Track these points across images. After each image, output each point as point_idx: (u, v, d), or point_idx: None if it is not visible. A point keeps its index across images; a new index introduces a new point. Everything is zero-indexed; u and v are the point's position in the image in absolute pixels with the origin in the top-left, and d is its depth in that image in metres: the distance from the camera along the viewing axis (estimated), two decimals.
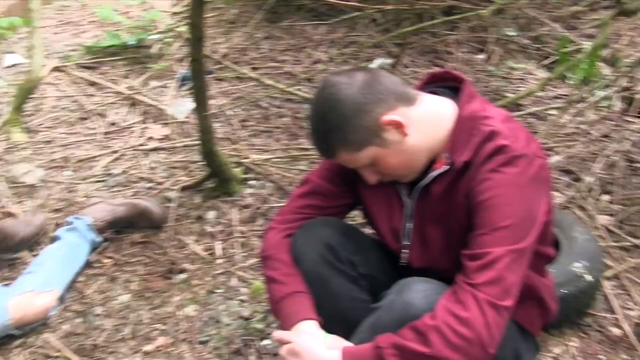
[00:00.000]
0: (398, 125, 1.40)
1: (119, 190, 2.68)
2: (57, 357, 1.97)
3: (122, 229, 2.45)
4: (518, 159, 1.37)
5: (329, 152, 1.48)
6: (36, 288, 2.06)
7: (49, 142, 3.04)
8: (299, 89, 3.39)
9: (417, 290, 1.41)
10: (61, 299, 2.14)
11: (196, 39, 2.25)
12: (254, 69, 3.69)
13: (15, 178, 2.71)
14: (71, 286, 2.21)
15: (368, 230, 1.86)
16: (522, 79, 3.71)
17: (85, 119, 3.26)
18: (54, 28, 4.44)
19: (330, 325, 1.53)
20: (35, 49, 3.14)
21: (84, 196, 2.64)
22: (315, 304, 1.56)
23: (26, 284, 2.07)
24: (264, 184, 2.72)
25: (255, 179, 2.74)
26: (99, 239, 2.35)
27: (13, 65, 3.81)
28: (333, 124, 1.41)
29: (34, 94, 3.28)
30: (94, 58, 3.89)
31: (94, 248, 2.35)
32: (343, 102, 1.39)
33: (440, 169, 1.45)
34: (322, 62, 3.81)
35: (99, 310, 2.14)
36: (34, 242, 2.37)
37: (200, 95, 2.38)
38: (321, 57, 3.85)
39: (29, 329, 2.04)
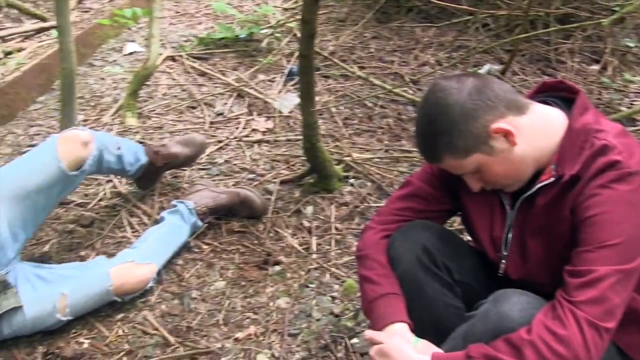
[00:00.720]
0: (507, 134, 1.36)
1: (221, 180, 2.75)
2: (153, 334, 2.05)
3: (222, 216, 2.51)
4: (631, 176, 1.29)
5: (433, 156, 1.46)
6: (136, 259, 2.14)
7: (158, 128, 3.16)
8: (404, 91, 3.36)
9: (513, 303, 1.36)
10: (159, 274, 2.21)
11: (308, 36, 2.27)
12: (361, 68, 3.69)
13: None
14: (169, 265, 2.29)
15: (466, 237, 1.81)
16: (638, 92, 3.51)
17: (193, 107, 3.37)
18: (171, 19, 4.63)
19: (422, 329, 1.51)
20: (153, 38, 3.27)
21: (188, 182, 2.72)
22: (408, 307, 1.54)
23: (127, 256, 2.16)
24: (364, 183, 2.72)
25: (355, 177, 2.74)
26: (199, 223, 2.41)
27: (132, 53, 4.00)
28: (440, 129, 1.38)
29: (149, 81, 3.43)
30: (206, 49, 4.02)
31: (194, 232, 2.41)
32: (452, 106, 1.37)
33: (547, 180, 1.40)
34: (430, 64, 3.75)
35: (195, 294, 2.21)
36: (195, 160, 2.67)
37: (307, 91, 2.40)
38: (429, 60, 3.80)
39: (128, 298, 2.13)
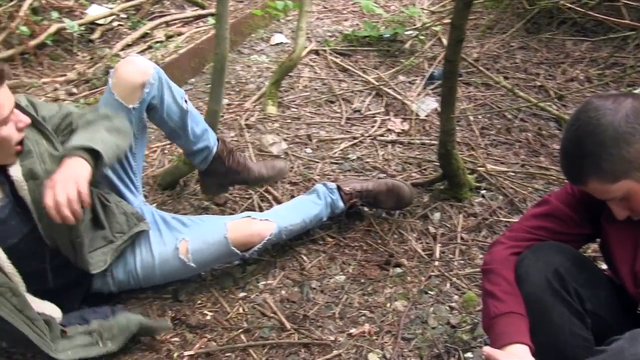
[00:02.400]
0: None
1: (351, 176, 2.79)
2: (271, 317, 2.12)
3: (367, 204, 2.46)
4: None
5: (578, 178, 1.40)
6: (254, 216, 2.18)
7: (296, 118, 3.25)
8: (549, 105, 3.24)
9: None
10: (277, 236, 2.19)
11: (456, 41, 2.25)
12: (504, 78, 3.59)
13: (262, 146, 2.94)
14: (292, 253, 2.34)
15: (602, 266, 1.72)
16: None
17: (332, 102, 3.44)
18: (318, 14, 4.73)
19: (543, 354, 1.46)
20: (301, 31, 3.36)
21: (319, 174, 2.78)
22: (531, 330, 1.49)
23: (249, 213, 2.21)
24: (496, 195, 2.65)
25: (487, 189, 2.68)
26: (341, 204, 2.36)
27: (278, 44, 4.13)
28: (589, 150, 1.32)
29: (292, 73, 3.53)
30: (349, 46, 4.07)
31: (334, 211, 2.38)
32: (604, 128, 1.30)
33: None
34: (579, 80, 3.58)
35: (314, 284, 2.26)
36: (268, 183, 2.58)
37: (448, 97, 2.38)
38: (578, 76, 3.62)
39: (248, 254, 2.15)
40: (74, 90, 3.30)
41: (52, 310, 1.77)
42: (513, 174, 2.78)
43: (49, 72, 3.63)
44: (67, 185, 1.58)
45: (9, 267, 1.67)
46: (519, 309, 1.51)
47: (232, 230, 2.09)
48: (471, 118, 3.21)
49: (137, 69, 2.01)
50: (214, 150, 2.34)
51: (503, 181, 2.71)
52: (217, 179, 2.42)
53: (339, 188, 2.37)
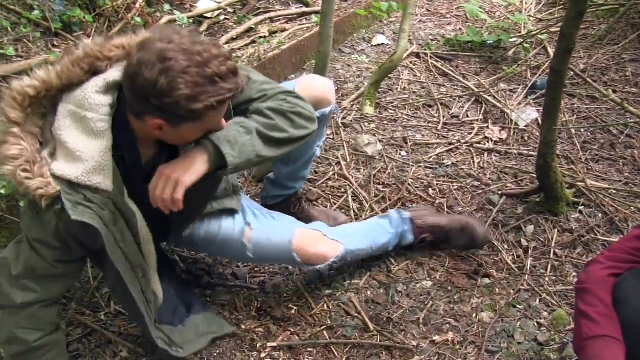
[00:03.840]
0: None
1: (444, 181, 2.76)
2: (355, 317, 2.13)
3: (437, 239, 2.35)
4: None
5: None
6: (326, 233, 2.11)
7: (393, 120, 3.25)
8: None
9: None
10: (342, 259, 2.12)
11: (564, 50, 2.18)
12: (613, 91, 3.44)
13: (358, 146, 2.96)
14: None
15: None
16: None
17: (430, 106, 3.41)
18: (422, 16, 4.69)
19: None
20: (403, 33, 3.35)
21: (413, 178, 2.77)
22: (628, 357, 1.43)
23: (320, 226, 2.14)
24: (594, 212, 2.55)
25: (585, 205, 2.58)
26: (410, 236, 2.32)
27: (379, 45, 4.13)
28: None
29: (391, 74, 3.53)
30: (451, 50, 4.02)
31: (401, 243, 2.32)
32: None
33: None
34: None
35: (400, 287, 2.25)
36: None
37: (552, 108, 2.31)
38: None
39: (307, 268, 2.14)
40: None
41: (158, 290, 1.80)
42: (615, 191, 2.67)
43: None
44: (168, 184, 1.56)
45: (147, 247, 1.68)
46: (615, 333, 1.45)
47: (299, 239, 2.03)
48: (573, 131, 3.10)
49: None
50: (288, 195, 2.41)
51: (603, 198, 2.60)
52: (286, 203, 2.44)
53: (412, 220, 2.31)
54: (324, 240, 2.08)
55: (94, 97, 1.45)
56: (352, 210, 2.58)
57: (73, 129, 1.45)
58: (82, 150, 1.45)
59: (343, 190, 2.71)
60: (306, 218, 2.38)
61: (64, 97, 1.48)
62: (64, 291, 1.85)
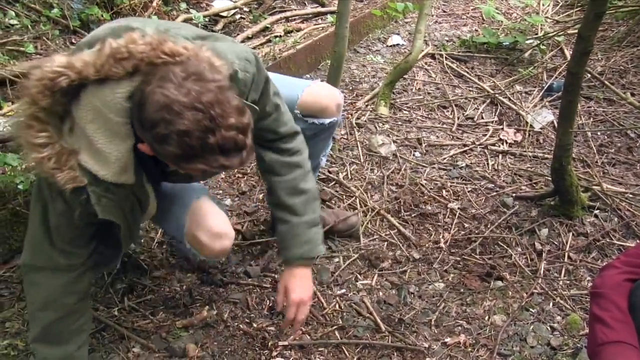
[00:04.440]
0: None
1: (458, 183, 2.75)
2: (366, 317, 2.12)
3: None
4: None
5: None
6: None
7: (407, 121, 3.24)
8: None
9: None
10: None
11: (582, 52, 2.16)
12: (631, 94, 3.41)
13: (372, 146, 2.95)
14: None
15: None
16: None
17: (444, 107, 3.40)
18: (437, 17, 4.68)
19: None
20: (419, 34, 3.34)
21: (427, 179, 2.76)
22: None
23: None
24: (610, 217, 2.53)
25: (601, 209, 2.56)
26: None
27: (394, 45, 4.12)
28: None
29: (406, 75, 3.52)
30: (466, 51, 4.01)
31: None
32: None
33: None
34: None
35: (412, 289, 2.24)
36: (337, 236, 2.44)
37: (568, 110, 2.29)
38: None
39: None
40: None
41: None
42: (632, 195, 2.64)
43: None
44: (306, 308, 1.83)
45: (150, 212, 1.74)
46: (631, 339, 1.44)
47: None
48: (589, 134, 3.08)
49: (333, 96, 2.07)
50: None
51: (620, 202, 2.58)
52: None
53: None
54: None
55: (122, 104, 1.41)
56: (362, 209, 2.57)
57: (96, 123, 1.43)
58: (108, 151, 1.43)
59: (353, 188, 2.69)
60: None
61: (90, 87, 1.42)
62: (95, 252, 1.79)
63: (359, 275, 2.29)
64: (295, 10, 4.40)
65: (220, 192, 2.69)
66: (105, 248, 1.71)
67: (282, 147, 1.79)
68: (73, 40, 3.55)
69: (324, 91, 2.07)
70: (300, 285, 1.82)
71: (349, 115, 3.23)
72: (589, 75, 3.45)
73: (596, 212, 2.55)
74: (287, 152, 1.79)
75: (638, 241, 2.31)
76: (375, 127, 3.15)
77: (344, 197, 2.65)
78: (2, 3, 3.41)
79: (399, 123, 3.21)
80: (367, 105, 3.34)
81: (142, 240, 2.36)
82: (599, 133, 3.11)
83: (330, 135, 2.20)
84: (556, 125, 2.49)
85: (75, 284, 1.65)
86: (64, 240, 1.59)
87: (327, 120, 2.05)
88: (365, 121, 3.19)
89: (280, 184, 1.80)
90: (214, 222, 1.85)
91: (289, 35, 3.96)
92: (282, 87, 1.85)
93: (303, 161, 1.82)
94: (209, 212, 1.87)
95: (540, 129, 3.15)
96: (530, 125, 3.16)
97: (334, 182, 2.74)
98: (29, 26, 3.41)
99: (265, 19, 4.15)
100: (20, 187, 2.23)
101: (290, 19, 4.25)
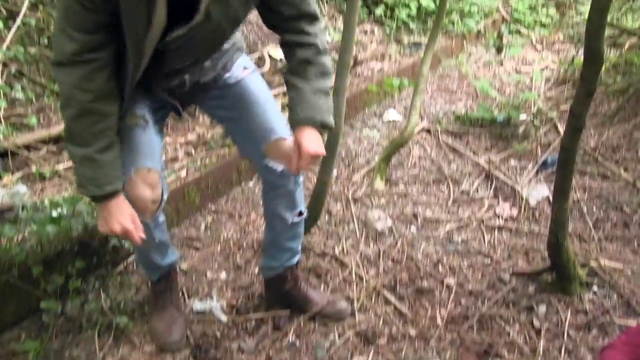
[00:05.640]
0: None
1: (454, 258, 2.73)
2: None
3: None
4: None
5: None
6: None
7: (403, 195, 3.25)
8: None
9: None
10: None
11: (574, 129, 2.20)
12: (624, 169, 3.44)
13: (368, 221, 2.95)
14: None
15: None
16: None
17: (440, 181, 3.42)
18: (432, 92, 4.78)
19: None
20: (414, 109, 3.40)
21: (422, 254, 2.75)
22: None
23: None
24: (609, 293, 2.50)
25: (599, 285, 2.53)
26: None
27: (390, 120, 4.19)
28: None
29: (402, 149, 3.56)
30: (461, 126, 4.07)
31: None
32: None
33: None
34: None
35: None
36: (324, 320, 2.37)
37: (563, 186, 2.31)
38: None
39: None
40: (192, 151, 3.47)
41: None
42: (631, 272, 2.62)
43: (172, 132, 3.86)
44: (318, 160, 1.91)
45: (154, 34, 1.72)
46: None
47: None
48: (585, 209, 3.09)
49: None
50: (281, 271, 2.34)
51: (618, 279, 2.56)
52: (276, 295, 2.40)
53: None
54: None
55: None
56: (354, 286, 2.55)
57: None
58: None
59: (347, 260, 2.67)
60: (302, 299, 2.36)
61: None
62: (107, 47, 1.72)
63: (354, 352, 2.24)
64: None
65: (216, 265, 2.67)
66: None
67: (302, 28, 1.84)
68: None
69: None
70: (314, 140, 1.82)
71: (346, 190, 3.24)
72: (583, 151, 3.50)
73: (595, 288, 2.52)
74: (306, 34, 1.85)
75: (639, 320, 2.28)
76: (371, 202, 3.16)
77: (340, 271, 2.63)
78: (10, 77, 3.48)
79: (395, 197, 3.22)
80: (363, 180, 3.36)
81: (136, 314, 2.33)
82: (594, 208, 3.12)
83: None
84: (551, 200, 2.51)
85: (88, 80, 1.64)
86: (73, 27, 1.59)
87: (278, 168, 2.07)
88: (361, 196, 3.20)
89: (295, 57, 1.87)
90: None
91: (286, 109, 4.02)
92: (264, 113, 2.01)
93: (321, 44, 1.87)
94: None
95: (536, 203, 3.16)
96: (526, 200, 3.17)
97: (329, 257, 2.72)
98: (34, 99, 3.48)
99: None
100: (15, 258, 2.22)
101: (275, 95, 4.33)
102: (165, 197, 1.98)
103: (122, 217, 1.75)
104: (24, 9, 3.62)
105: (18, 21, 3.57)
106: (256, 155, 2.06)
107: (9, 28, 3.46)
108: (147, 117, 1.92)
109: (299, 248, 2.35)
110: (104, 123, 1.70)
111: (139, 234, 1.78)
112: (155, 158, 1.94)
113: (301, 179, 2.20)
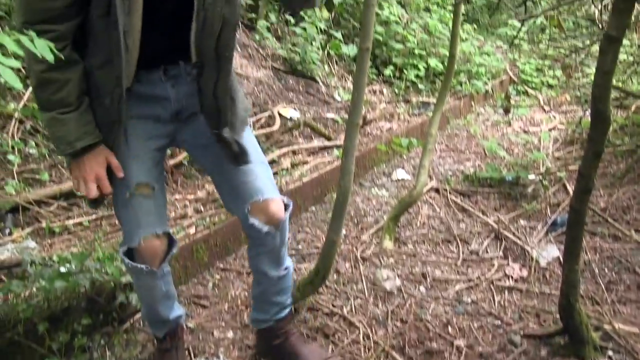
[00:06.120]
0: None
1: (464, 319, 2.69)
2: None
3: None
4: None
5: None
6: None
7: (412, 255, 3.23)
8: None
9: None
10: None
11: (583, 190, 2.20)
12: (636, 230, 3.42)
13: (377, 280, 2.93)
14: None
15: None
16: None
17: (449, 241, 3.40)
18: (441, 152, 4.81)
19: None
20: (423, 169, 3.42)
21: (432, 315, 2.71)
22: None
23: None
24: (625, 359, 2.44)
25: (614, 350, 2.47)
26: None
27: (399, 179, 4.21)
28: None
29: (410, 209, 3.56)
30: (470, 186, 4.07)
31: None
32: None
33: None
34: None
35: None
36: None
37: (573, 247, 2.29)
38: None
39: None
40: (201, 208, 3.48)
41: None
42: None
43: (181, 189, 3.88)
44: None
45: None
46: None
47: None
48: (597, 270, 3.05)
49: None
50: (270, 324, 2.31)
51: (635, 344, 2.50)
52: (266, 348, 2.37)
53: None
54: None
55: None
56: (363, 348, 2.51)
57: None
58: None
59: (357, 323, 2.64)
60: (293, 355, 2.30)
61: None
62: (63, 21, 1.69)
63: None
64: (302, 143, 4.54)
65: (223, 324, 2.64)
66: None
67: None
68: None
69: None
70: None
71: (354, 249, 3.23)
72: (593, 211, 3.48)
73: (610, 353, 2.46)
74: None
75: None
76: (380, 261, 3.14)
77: (348, 331, 2.60)
78: (25, 133, 3.54)
79: (404, 257, 3.20)
80: (371, 239, 3.35)
81: None
82: (606, 269, 3.08)
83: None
84: (562, 261, 2.48)
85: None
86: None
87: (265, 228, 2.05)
88: (370, 255, 3.19)
89: None
90: None
91: (295, 168, 4.05)
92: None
93: None
94: None
95: (547, 264, 3.13)
96: (536, 261, 3.14)
97: (337, 316, 2.69)
98: (46, 155, 3.52)
99: (273, 152, 4.27)
100: (21, 315, 2.21)
101: (297, 152, 4.37)
102: (174, 248, 2.00)
103: (96, 165, 1.78)
104: None
105: None
106: (241, 213, 2.04)
107: (27, 86, 3.53)
108: (152, 183, 1.91)
109: (288, 301, 2.33)
110: (64, 91, 1.70)
111: (116, 172, 1.81)
112: (162, 220, 1.94)
113: (287, 236, 2.18)
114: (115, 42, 1.67)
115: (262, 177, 2.04)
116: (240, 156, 1.96)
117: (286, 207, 2.10)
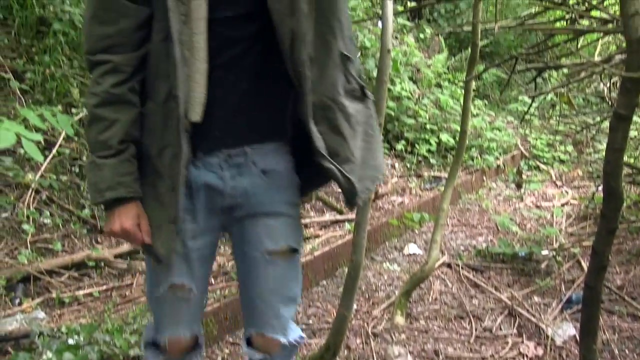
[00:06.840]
0: None
1: None
2: None
3: None
4: None
5: None
6: None
7: (424, 331, 3.17)
8: None
9: None
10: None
11: (598, 267, 2.17)
12: None
13: (388, 357, 2.87)
14: None
15: None
16: None
17: (462, 317, 3.35)
18: (453, 227, 4.80)
19: None
20: (435, 243, 3.40)
21: None
22: None
23: None
24: None
25: None
26: None
27: (411, 254, 4.18)
28: None
29: (422, 284, 3.52)
30: (482, 261, 4.04)
31: None
32: None
33: None
34: None
35: None
36: None
37: (589, 325, 2.24)
38: None
39: None
40: (212, 280, 3.47)
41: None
42: None
43: None
44: None
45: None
46: None
47: None
48: (616, 351, 2.98)
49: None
50: None
51: None
52: None
53: None
54: None
55: None
56: None
57: None
58: None
59: None
60: None
61: None
62: (125, 51, 1.58)
63: None
64: (314, 217, 4.55)
65: None
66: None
67: None
68: (98, 239, 3.67)
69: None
70: None
71: (365, 324, 3.18)
72: (609, 289, 3.43)
73: None
74: None
75: None
76: (392, 337, 3.08)
77: None
78: (40, 203, 3.59)
79: (416, 333, 3.14)
80: (383, 314, 3.31)
81: None
82: (627, 351, 3.00)
83: None
84: (578, 340, 2.43)
85: (96, 83, 1.55)
86: (93, 13, 1.54)
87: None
88: (381, 330, 3.13)
89: None
90: None
91: (306, 241, 4.05)
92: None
93: None
94: None
95: (563, 343, 3.06)
96: (552, 339, 3.07)
97: None
98: (60, 225, 3.56)
99: None
100: None
101: (308, 225, 4.38)
102: (200, 350, 1.88)
103: (125, 219, 1.56)
104: (60, 140, 3.79)
105: (54, 151, 3.73)
106: (245, 330, 1.93)
107: (45, 157, 3.60)
108: (190, 285, 1.72)
109: None
110: (109, 132, 1.54)
111: (144, 237, 1.60)
112: (193, 322, 1.80)
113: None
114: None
115: (278, 307, 1.85)
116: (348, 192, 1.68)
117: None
